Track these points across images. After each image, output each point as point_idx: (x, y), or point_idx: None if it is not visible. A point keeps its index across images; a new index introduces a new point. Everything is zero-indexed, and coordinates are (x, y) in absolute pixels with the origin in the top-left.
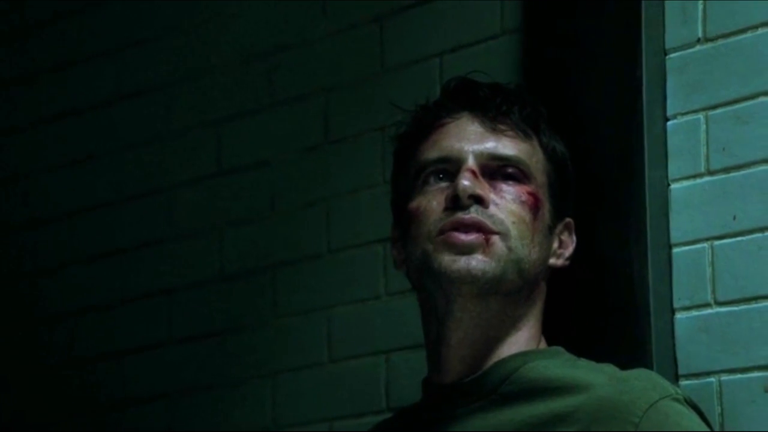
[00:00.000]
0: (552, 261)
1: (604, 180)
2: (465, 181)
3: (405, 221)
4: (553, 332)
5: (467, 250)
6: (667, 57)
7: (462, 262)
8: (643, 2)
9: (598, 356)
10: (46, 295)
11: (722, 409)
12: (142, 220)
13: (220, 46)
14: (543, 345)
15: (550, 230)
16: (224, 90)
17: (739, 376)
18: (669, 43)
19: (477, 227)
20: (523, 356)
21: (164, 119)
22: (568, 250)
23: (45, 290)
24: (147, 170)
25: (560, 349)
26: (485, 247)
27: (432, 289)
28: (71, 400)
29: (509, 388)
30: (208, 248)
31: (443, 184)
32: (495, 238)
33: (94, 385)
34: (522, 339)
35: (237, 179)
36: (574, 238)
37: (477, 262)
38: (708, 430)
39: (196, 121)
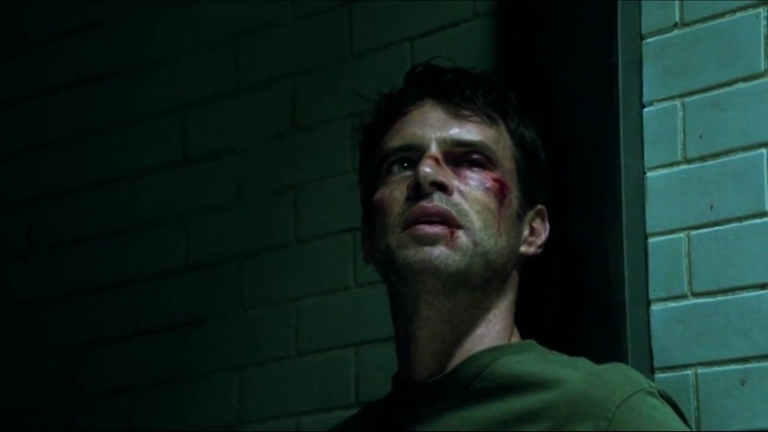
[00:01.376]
0: (523, 249)
1: (578, 168)
2: (426, 168)
3: (371, 213)
4: (525, 324)
5: (431, 240)
6: (643, 42)
7: (425, 252)
8: None
9: (571, 349)
10: (4, 287)
11: (698, 403)
12: (105, 209)
13: (185, 29)
14: (515, 338)
15: (519, 217)
16: (189, 74)
17: (715, 369)
18: (645, 28)
19: (441, 217)
20: (494, 351)
21: (127, 104)
22: (541, 238)
23: (3, 281)
24: (109, 157)
25: (533, 342)
26: (449, 240)
27: (398, 285)
28: (30, 394)
29: (481, 384)
30: (172, 238)
31: (406, 173)
32: (459, 233)
33: (55, 379)
34: (493, 332)
35: (202, 167)
36: (548, 225)
37: (440, 252)
38: (683, 424)
39: (160, 106)
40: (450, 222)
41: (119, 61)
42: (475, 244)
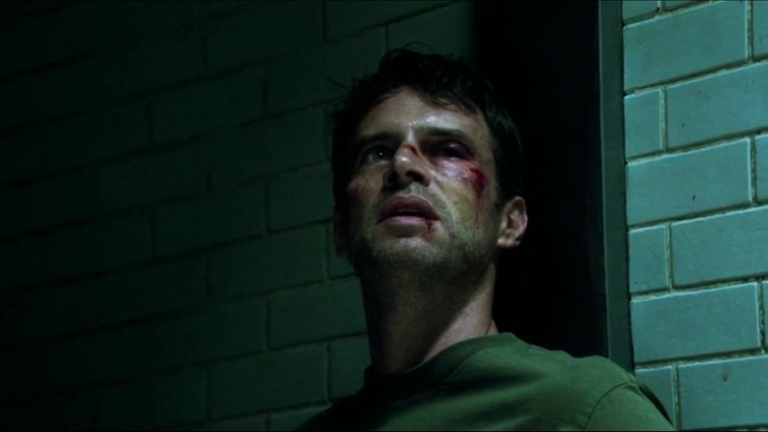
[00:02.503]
0: (501, 241)
1: (557, 157)
2: (403, 158)
3: (345, 204)
4: (503, 317)
5: (407, 232)
6: (624, 28)
7: (401, 244)
8: None
9: (550, 343)
10: None
11: (679, 398)
12: (67, 198)
13: (152, 12)
14: (493, 331)
15: (497, 209)
16: (156, 59)
17: (697, 363)
18: (626, 13)
19: (418, 209)
20: (471, 344)
21: (90, 90)
22: (519, 230)
23: None
24: (72, 145)
25: (511, 335)
26: (426, 231)
27: (373, 278)
28: None
29: (457, 377)
30: (138, 229)
31: (382, 162)
32: (437, 224)
33: (16, 374)
34: (470, 325)
35: (169, 155)
36: (526, 217)
37: (417, 244)
38: (664, 419)
39: (126, 92)
40: (427, 213)
41: (82, 44)
42: (453, 236)
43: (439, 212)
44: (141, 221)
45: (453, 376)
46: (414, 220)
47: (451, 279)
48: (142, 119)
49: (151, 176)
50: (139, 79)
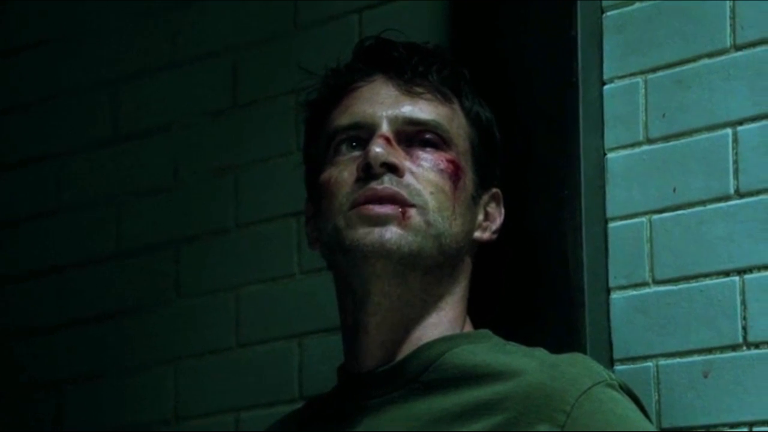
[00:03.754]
0: (477, 234)
1: (535, 148)
2: (377, 148)
3: (317, 195)
4: (479, 313)
5: (381, 221)
6: (604, 15)
7: (375, 234)
8: None
9: (527, 339)
10: None
11: (659, 396)
12: (29, 190)
13: None
14: (468, 327)
15: (474, 201)
16: (122, 46)
17: (678, 360)
18: (606, 1)
19: (392, 199)
20: (447, 341)
21: (54, 78)
22: (496, 223)
23: None
24: (34, 134)
25: (487, 332)
26: (401, 219)
27: (346, 268)
28: None
29: (432, 375)
30: (103, 221)
31: (356, 153)
32: (412, 212)
33: None
34: (446, 320)
35: (136, 145)
36: (502, 210)
37: (391, 234)
38: (644, 417)
39: (90, 80)
40: (401, 201)
41: (44, 30)
42: (428, 224)
43: (414, 200)
44: (106, 214)
45: (428, 375)
46: (388, 209)
47: (426, 269)
48: (107, 108)
49: (117, 167)
50: (104, 66)
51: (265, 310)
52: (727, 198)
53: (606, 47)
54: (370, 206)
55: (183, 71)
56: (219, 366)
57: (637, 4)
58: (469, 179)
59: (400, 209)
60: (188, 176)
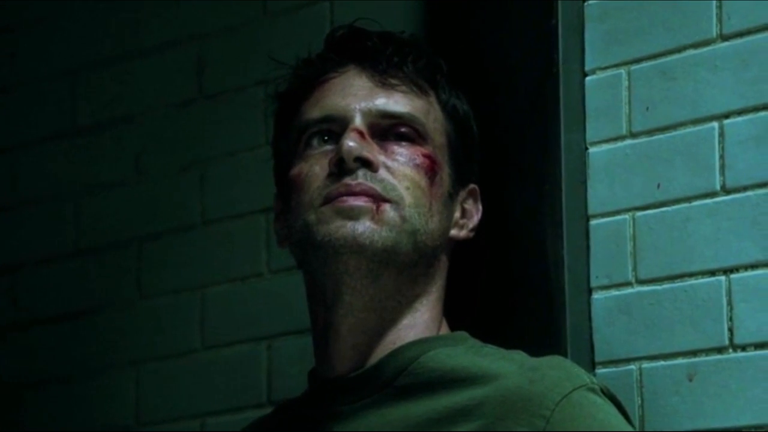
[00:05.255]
0: (454, 232)
1: (514, 143)
2: (350, 143)
3: (286, 191)
4: (455, 314)
5: (354, 214)
6: (585, 3)
7: (348, 228)
8: None
9: (505, 341)
10: None
11: (642, 400)
12: None
13: None
14: (445, 329)
15: (451, 197)
16: (80, 34)
17: (661, 363)
18: None
19: (366, 195)
20: (422, 344)
21: (9, 67)
22: (473, 221)
23: None
24: None
25: (464, 334)
26: (375, 213)
27: (317, 267)
28: None
29: (407, 380)
30: (60, 218)
31: (328, 147)
32: (386, 206)
33: None
34: (421, 322)
35: (95, 138)
36: (480, 207)
37: (364, 228)
38: (626, 423)
39: (47, 69)
40: (375, 196)
41: (1, 18)
42: (403, 219)
43: (389, 195)
44: (64, 210)
45: (403, 379)
46: (362, 201)
47: (400, 268)
48: (66, 99)
49: (76, 161)
50: (62, 55)
51: (232, 311)
52: (713, 194)
53: (588, 37)
54: (343, 198)
55: (146, 60)
56: (183, 369)
57: None
58: (445, 175)
59: (373, 203)
60: (151, 170)
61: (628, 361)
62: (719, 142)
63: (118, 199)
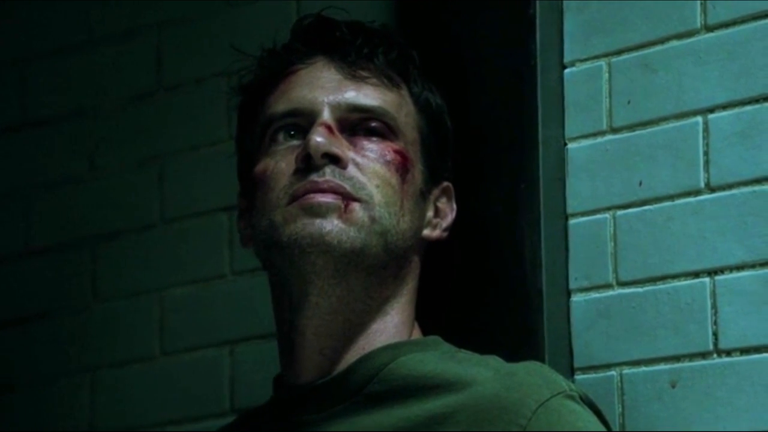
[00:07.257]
0: (426, 232)
1: (489, 138)
2: (317, 138)
3: (251, 188)
4: (428, 318)
5: (322, 211)
6: None
7: (315, 226)
8: None
9: (480, 346)
10: None
11: (623, 407)
12: None
13: None
14: (417, 334)
15: (423, 196)
16: (32, 21)
17: (643, 369)
18: None
19: (334, 192)
20: (393, 349)
21: None
22: (447, 220)
23: None
24: None
25: (437, 339)
26: (342, 212)
27: (282, 267)
28: None
29: (377, 387)
30: (10, 217)
31: (294, 142)
32: (355, 205)
33: None
34: (391, 326)
35: (47, 132)
36: (454, 205)
37: (332, 226)
38: (606, 430)
39: None
40: (344, 194)
41: None
42: (373, 219)
43: (358, 194)
44: (13, 208)
45: (373, 386)
46: (329, 197)
47: (369, 269)
48: (15, 91)
49: (26, 156)
50: (11, 45)
51: (193, 315)
52: (697, 192)
53: (567, 27)
54: (310, 195)
55: (100, 50)
56: (141, 376)
57: None
58: (418, 172)
59: (342, 200)
60: (106, 166)
61: (608, 366)
62: (704, 138)
63: (71, 197)
